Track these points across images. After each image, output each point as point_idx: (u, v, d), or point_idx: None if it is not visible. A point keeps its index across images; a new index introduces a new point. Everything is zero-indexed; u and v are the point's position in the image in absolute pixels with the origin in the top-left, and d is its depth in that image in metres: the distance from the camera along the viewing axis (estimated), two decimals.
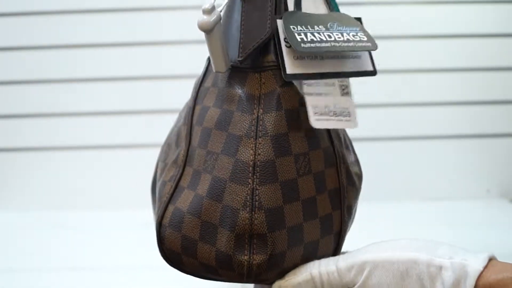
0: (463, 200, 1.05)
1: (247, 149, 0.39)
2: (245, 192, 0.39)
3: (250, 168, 0.39)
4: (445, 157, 1.08)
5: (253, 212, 0.39)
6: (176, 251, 0.43)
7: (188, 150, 0.44)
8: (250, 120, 0.39)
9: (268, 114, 0.39)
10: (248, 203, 0.39)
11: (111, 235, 0.87)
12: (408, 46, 1.06)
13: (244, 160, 0.39)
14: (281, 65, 0.39)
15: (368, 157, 1.08)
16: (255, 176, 0.39)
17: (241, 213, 0.39)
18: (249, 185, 0.39)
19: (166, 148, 0.52)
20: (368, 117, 1.06)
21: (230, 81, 0.41)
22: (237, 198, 0.39)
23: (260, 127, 0.39)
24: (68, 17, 1.04)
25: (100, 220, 0.97)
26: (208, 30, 0.38)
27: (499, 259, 0.41)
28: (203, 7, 0.38)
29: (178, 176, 0.43)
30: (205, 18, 0.38)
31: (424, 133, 1.07)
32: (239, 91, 0.41)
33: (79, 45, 1.05)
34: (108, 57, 1.05)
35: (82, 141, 1.06)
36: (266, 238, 0.39)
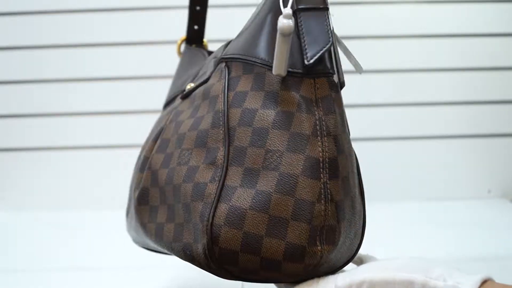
0: (464, 200, 1.05)
1: (315, 147, 0.43)
2: (318, 186, 0.43)
3: (321, 164, 0.43)
4: (445, 157, 1.08)
5: (327, 204, 0.42)
6: (234, 249, 0.43)
7: (229, 151, 0.45)
8: (313, 121, 0.44)
9: (328, 116, 0.44)
10: (322, 195, 0.42)
11: (111, 235, 0.87)
12: (408, 46, 1.06)
13: (315, 157, 0.43)
14: (338, 73, 0.45)
15: (368, 157, 1.08)
16: (325, 171, 0.43)
17: (317, 205, 0.42)
18: (322, 179, 0.43)
19: (166, 155, 0.53)
20: (368, 117, 1.06)
21: (285, 85, 0.45)
22: (311, 191, 0.42)
23: (324, 127, 0.44)
24: (67, 17, 1.04)
25: (100, 220, 0.97)
26: (289, 34, 0.41)
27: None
28: (285, 12, 0.41)
29: (223, 176, 0.45)
30: (287, 21, 0.41)
31: (424, 133, 1.07)
32: (296, 94, 0.44)
33: (79, 45, 1.05)
34: (109, 57, 1.05)
35: (82, 141, 1.06)
36: (335, 228, 0.43)
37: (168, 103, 0.64)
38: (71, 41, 1.05)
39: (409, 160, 1.07)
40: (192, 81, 0.56)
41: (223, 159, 0.45)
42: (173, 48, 1.06)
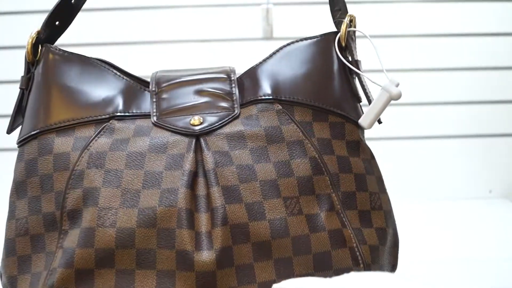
0: (465, 200, 1.05)
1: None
2: (394, 217, 0.55)
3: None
4: (446, 157, 1.07)
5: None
6: None
7: (339, 195, 0.50)
8: (378, 166, 0.55)
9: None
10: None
11: None
12: (409, 46, 1.05)
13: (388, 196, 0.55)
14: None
15: None
16: None
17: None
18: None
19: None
20: None
21: (361, 136, 0.54)
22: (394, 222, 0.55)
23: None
24: None
25: None
26: (397, 99, 0.51)
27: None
28: (396, 81, 0.50)
29: (347, 220, 0.50)
30: (397, 89, 0.50)
31: (426, 133, 1.07)
32: (366, 143, 0.54)
33: (76, 44, 1.05)
34: (107, 56, 1.05)
35: None
36: None
37: (58, 128, 0.52)
38: (65, 41, 1.04)
39: (409, 160, 1.07)
40: (163, 112, 0.50)
41: (339, 205, 0.49)
42: (173, 48, 1.06)
